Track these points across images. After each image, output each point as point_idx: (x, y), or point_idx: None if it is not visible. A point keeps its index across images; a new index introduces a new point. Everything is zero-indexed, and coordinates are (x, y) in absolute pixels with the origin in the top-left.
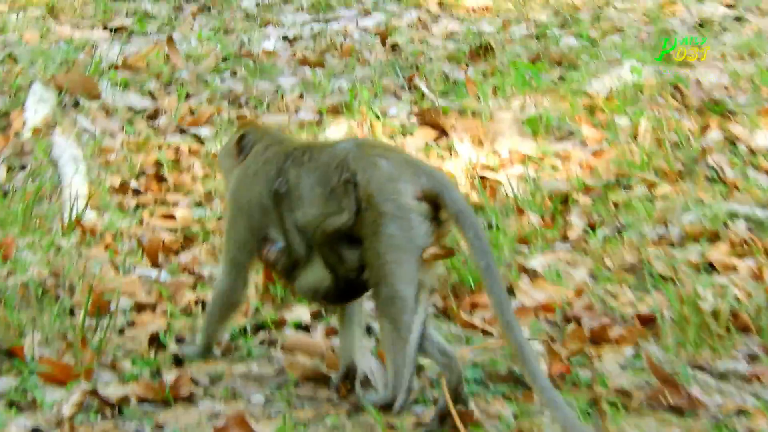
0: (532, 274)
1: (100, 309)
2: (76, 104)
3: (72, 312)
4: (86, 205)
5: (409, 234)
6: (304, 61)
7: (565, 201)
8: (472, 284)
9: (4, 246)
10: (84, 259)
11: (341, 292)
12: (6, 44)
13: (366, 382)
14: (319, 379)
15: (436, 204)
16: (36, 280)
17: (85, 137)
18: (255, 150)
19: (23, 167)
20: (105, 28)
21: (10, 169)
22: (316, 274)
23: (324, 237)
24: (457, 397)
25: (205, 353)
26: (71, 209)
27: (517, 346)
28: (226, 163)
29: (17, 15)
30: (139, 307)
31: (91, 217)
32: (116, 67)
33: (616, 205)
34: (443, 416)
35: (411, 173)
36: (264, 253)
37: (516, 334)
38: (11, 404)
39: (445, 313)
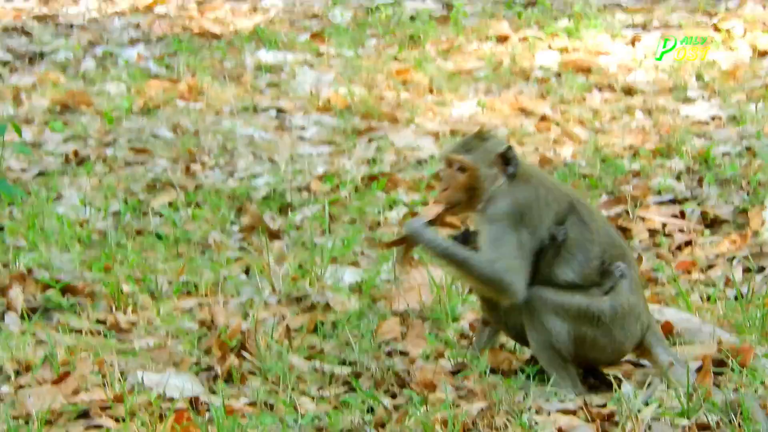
0: None
1: None
2: None
3: None
4: None
5: None
6: None
7: None
8: None
9: (742, 353)
10: None
11: None
12: (744, 136)
13: None
14: None
15: None
16: None
17: None
18: (529, 175)
19: (761, 269)
20: None
21: (747, 270)
22: None
23: None
24: None
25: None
26: None
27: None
28: (487, 171)
29: (756, 106)
30: None
31: None
32: None
33: None
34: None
35: None
36: None
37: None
38: None
39: None
